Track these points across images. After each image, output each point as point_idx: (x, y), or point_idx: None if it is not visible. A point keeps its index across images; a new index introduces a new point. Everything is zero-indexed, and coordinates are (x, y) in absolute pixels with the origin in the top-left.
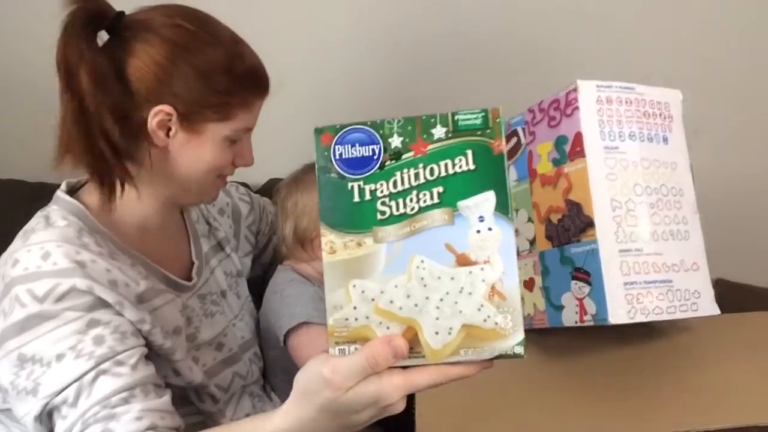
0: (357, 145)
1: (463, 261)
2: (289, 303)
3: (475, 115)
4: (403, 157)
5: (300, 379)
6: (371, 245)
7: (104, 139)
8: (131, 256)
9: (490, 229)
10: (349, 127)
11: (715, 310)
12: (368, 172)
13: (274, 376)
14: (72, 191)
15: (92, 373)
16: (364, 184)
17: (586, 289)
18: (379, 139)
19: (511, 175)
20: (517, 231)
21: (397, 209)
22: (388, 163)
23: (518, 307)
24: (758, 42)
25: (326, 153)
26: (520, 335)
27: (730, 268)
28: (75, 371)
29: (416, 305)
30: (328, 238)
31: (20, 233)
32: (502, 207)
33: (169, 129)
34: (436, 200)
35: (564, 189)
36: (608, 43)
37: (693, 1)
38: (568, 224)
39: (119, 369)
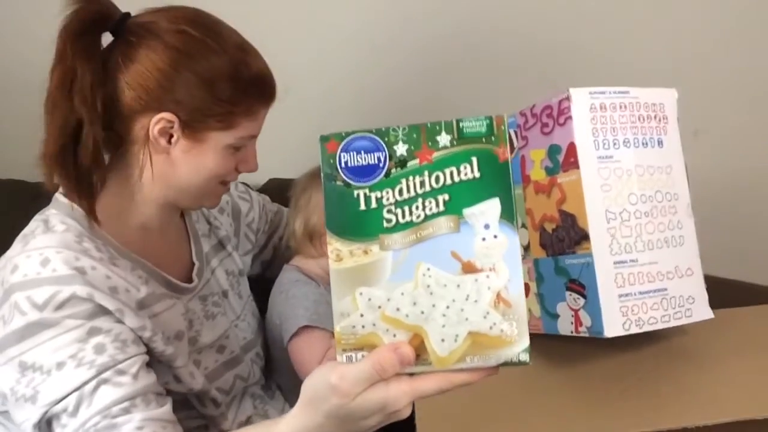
0: (362, 152)
1: (469, 268)
2: (293, 304)
3: (479, 123)
4: (409, 164)
5: (307, 386)
6: (377, 253)
7: (91, 148)
8: (131, 260)
9: (495, 236)
10: (355, 135)
11: (709, 314)
12: (374, 179)
13: (280, 375)
14: None
15: (93, 383)
16: (370, 191)
17: (581, 301)
18: (384, 146)
19: None
20: None
21: (403, 217)
22: (393, 170)
23: (523, 315)
24: (758, 42)
25: (332, 161)
26: (526, 342)
27: (730, 268)
28: (75, 380)
29: (422, 312)
30: (334, 245)
31: (19, 237)
32: (508, 214)
33: (171, 136)
34: (441, 208)
35: (558, 199)
36: (608, 43)
37: (693, 1)
38: (562, 235)
39: (120, 378)
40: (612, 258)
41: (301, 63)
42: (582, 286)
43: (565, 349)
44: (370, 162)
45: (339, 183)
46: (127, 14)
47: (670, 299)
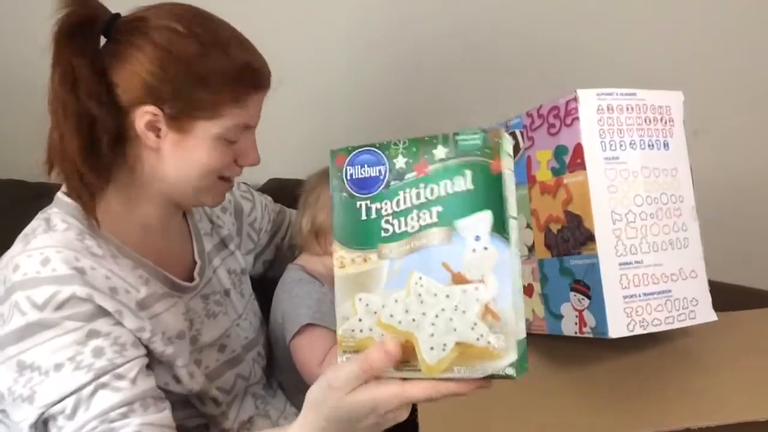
0: (366, 166)
1: (459, 279)
2: (296, 303)
3: (475, 136)
4: (407, 177)
5: (311, 391)
6: (376, 261)
7: (92, 148)
8: (133, 259)
9: (485, 248)
10: (360, 149)
11: (713, 316)
12: (375, 191)
13: (282, 373)
14: None
15: (91, 387)
16: (371, 203)
17: (586, 302)
18: (385, 160)
19: None
20: None
21: (399, 227)
22: (392, 183)
23: (512, 328)
24: (758, 42)
25: (339, 173)
26: (513, 356)
27: (730, 269)
28: (73, 383)
29: (414, 320)
30: (339, 253)
31: (20, 236)
32: (499, 227)
33: (159, 130)
34: (434, 219)
35: (563, 200)
36: (608, 44)
37: (693, 1)
38: (567, 236)
39: (119, 383)
40: (617, 259)
41: (300, 63)
42: (587, 286)
43: (569, 349)
44: (372, 174)
45: (344, 194)
46: (117, 15)
47: (674, 301)
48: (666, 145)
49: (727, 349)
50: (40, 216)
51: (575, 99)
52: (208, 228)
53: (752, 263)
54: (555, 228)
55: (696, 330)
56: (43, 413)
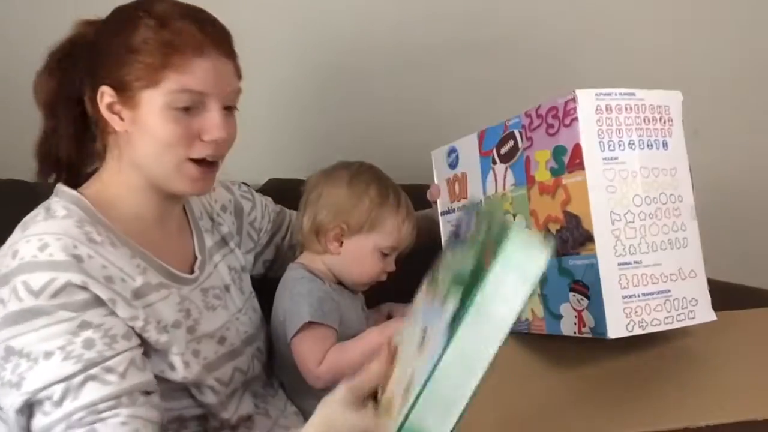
0: None
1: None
2: (297, 301)
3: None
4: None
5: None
6: None
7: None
8: (131, 248)
9: None
10: None
11: (712, 316)
12: None
13: (283, 372)
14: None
15: (81, 377)
16: None
17: (585, 302)
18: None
19: (509, 179)
20: None
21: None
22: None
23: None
24: (758, 42)
25: None
26: None
27: (730, 269)
28: (61, 372)
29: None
30: None
31: (21, 223)
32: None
33: (120, 111)
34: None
35: (562, 200)
36: (608, 44)
37: (693, 1)
38: (566, 236)
39: (108, 376)
40: (616, 259)
41: (300, 62)
42: (585, 287)
43: (568, 349)
44: None
45: None
46: None
47: (673, 301)
48: (665, 145)
49: (726, 348)
50: (41, 205)
51: (574, 99)
52: (209, 225)
53: (752, 263)
54: (554, 228)
55: (695, 330)
56: (29, 399)
